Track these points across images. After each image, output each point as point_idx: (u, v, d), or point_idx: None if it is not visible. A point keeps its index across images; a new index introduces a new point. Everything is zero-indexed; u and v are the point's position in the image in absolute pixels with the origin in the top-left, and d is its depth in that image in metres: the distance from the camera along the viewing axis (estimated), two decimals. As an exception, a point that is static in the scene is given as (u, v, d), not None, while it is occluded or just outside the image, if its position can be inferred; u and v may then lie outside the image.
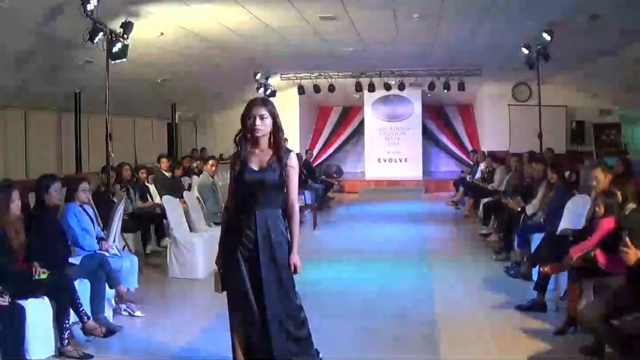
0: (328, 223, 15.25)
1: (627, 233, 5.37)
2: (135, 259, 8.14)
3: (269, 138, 5.15)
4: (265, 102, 5.20)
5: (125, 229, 9.65)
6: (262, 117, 5.04)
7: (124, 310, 7.65)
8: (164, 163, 13.18)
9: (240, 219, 5.11)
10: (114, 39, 10.32)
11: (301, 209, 14.64)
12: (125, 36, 10.48)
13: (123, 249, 8.90)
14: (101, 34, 9.95)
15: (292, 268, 5.11)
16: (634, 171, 10.62)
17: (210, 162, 11.97)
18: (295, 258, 5.12)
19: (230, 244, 5.14)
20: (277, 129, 5.14)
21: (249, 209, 5.08)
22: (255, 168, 5.08)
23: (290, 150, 5.20)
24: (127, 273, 7.71)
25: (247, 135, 5.14)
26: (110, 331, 6.72)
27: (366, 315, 7.60)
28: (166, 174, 13.02)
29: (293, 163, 5.12)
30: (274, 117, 5.11)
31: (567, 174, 11.13)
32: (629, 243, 5.21)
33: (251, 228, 5.05)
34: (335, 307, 7.87)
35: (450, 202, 18.41)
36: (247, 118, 5.08)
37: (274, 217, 5.10)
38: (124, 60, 10.69)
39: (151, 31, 11.88)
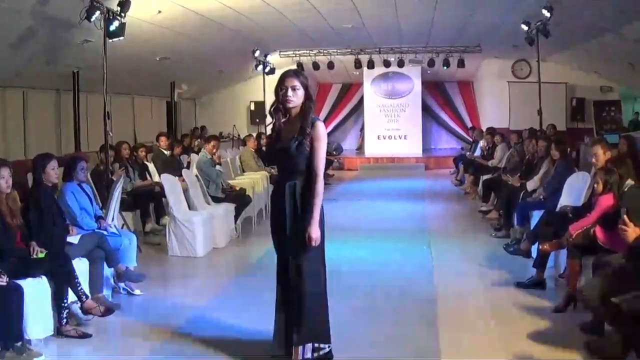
0: (328, 200, 15.04)
1: (625, 211, 5.33)
2: (134, 237, 8.08)
3: (301, 108, 5.18)
4: (297, 73, 5.26)
5: (124, 207, 9.63)
6: (294, 89, 5.10)
7: (123, 289, 7.62)
8: (163, 141, 13.13)
9: (276, 192, 5.27)
10: (111, 17, 10.27)
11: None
12: (122, 14, 10.42)
13: (122, 228, 8.88)
14: (98, 12, 9.90)
15: (307, 240, 5.06)
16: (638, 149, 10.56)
17: (212, 142, 11.80)
18: (311, 229, 5.04)
19: (271, 218, 5.36)
20: (307, 99, 5.16)
21: (281, 181, 5.25)
22: (285, 139, 5.13)
23: (317, 120, 5.16)
24: (126, 252, 7.66)
25: (279, 107, 5.19)
26: (109, 310, 6.67)
27: (366, 293, 7.61)
28: (165, 152, 12.98)
29: (315, 132, 5.07)
30: (306, 88, 5.17)
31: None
32: (628, 221, 5.19)
33: (283, 200, 5.14)
34: (334, 284, 7.77)
35: (455, 180, 18.33)
36: (280, 89, 5.15)
37: (302, 189, 5.11)
38: (121, 38, 10.64)
39: (149, 9, 11.82)
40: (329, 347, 5.35)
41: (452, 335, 6.11)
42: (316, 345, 5.28)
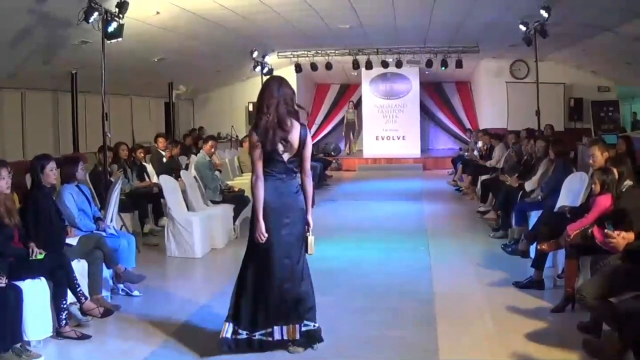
0: (326, 201, 15.22)
1: (610, 222, 5.45)
2: (133, 238, 8.10)
3: None
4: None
5: (122, 208, 9.62)
6: None
7: (122, 290, 7.64)
8: (162, 142, 13.12)
9: None
10: (109, 18, 10.26)
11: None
12: (120, 15, 10.41)
13: (120, 229, 8.88)
14: (96, 13, 9.89)
15: None
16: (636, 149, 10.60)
17: (210, 143, 11.84)
18: None
19: None
20: None
21: None
22: None
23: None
24: (125, 253, 7.67)
25: None
26: (107, 311, 6.71)
27: (365, 292, 7.61)
28: (163, 153, 12.97)
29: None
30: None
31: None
32: (610, 233, 5.34)
33: None
34: (333, 284, 7.86)
35: (452, 182, 18.33)
36: None
37: None
38: (119, 39, 10.63)
39: (147, 10, 11.80)
40: (247, 334, 5.63)
41: (450, 335, 6.13)
42: (235, 327, 5.63)
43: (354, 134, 25.50)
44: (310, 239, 5.71)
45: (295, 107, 5.62)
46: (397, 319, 6.63)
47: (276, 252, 5.59)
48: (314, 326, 5.71)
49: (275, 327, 5.61)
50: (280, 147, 5.50)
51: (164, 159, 12.76)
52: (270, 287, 5.59)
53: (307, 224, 5.72)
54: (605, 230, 5.46)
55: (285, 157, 5.55)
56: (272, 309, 5.60)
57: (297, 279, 5.65)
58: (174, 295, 7.78)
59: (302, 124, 5.60)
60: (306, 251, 5.72)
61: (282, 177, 5.59)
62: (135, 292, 7.64)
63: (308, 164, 5.69)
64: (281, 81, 5.66)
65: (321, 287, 7.12)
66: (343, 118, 26.05)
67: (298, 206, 5.65)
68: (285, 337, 5.63)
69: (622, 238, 5.28)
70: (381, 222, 12.33)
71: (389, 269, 8.81)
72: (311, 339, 5.70)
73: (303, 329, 5.65)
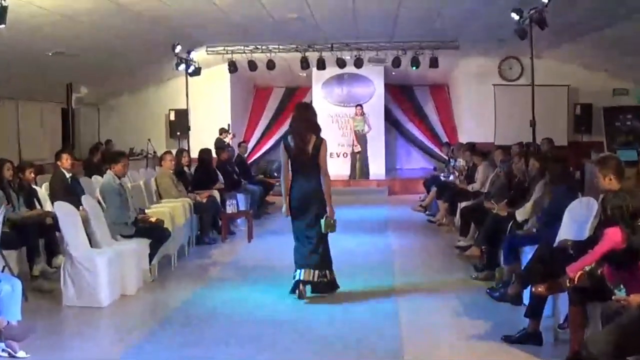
0: (267, 233, 15.17)
1: (619, 286, 5.81)
2: (19, 283, 7.92)
3: None
4: None
5: (6, 244, 9.46)
6: None
7: (3, 350, 7.47)
8: (66, 160, 12.73)
9: None
10: (-13, 0, 10.12)
11: (234, 217, 14.63)
12: (3, -4, 10.28)
13: (2, 271, 8.73)
14: (-29, -6, 9.75)
15: None
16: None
17: (122, 162, 11.39)
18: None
19: None
20: None
21: None
22: None
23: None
24: (8, 301, 7.51)
25: None
26: (-16, 377, 6.58)
27: (319, 348, 7.60)
28: (67, 174, 12.61)
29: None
30: None
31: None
32: (622, 297, 5.68)
33: None
34: (283, 337, 7.82)
35: (418, 207, 18.41)
36: None
37: None
38: (2, 26, 10.45)
39: (39, -9, 11.69)
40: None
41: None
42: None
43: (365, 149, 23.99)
44: (323, 220, 9.37)
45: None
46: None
47: (297, 222, 9.76)
48: (327, 276, 9.67)
49: (299, 270, 9.56)
50: (300, 155, 9.49)
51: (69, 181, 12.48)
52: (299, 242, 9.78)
53: (326, 211, 9.47)
54: (614, 297, 5.73)
55: (304, 160, 9.50)
56: (297, 255, 9.69)
57: (315, 244, 9.56)
58: (72, 355, 7.64)
59: (318, 137, 9.60)
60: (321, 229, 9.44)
61: (303, 174, 9.60)
62: (21, 353, 7.46)
63: (324, 166, 9.55)
64: (300, 107, 10.72)
65: (263, 341, 7.07)
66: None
67: (314, 194, 9.51)
68: (302, 278, 9.48)
69: (634, 299, 5.38)
70: (337, 261, 12.26)
71: (348, 318, 8.81)
72: (327, 285, 9.69)
73: (319, 279, 9.55)
